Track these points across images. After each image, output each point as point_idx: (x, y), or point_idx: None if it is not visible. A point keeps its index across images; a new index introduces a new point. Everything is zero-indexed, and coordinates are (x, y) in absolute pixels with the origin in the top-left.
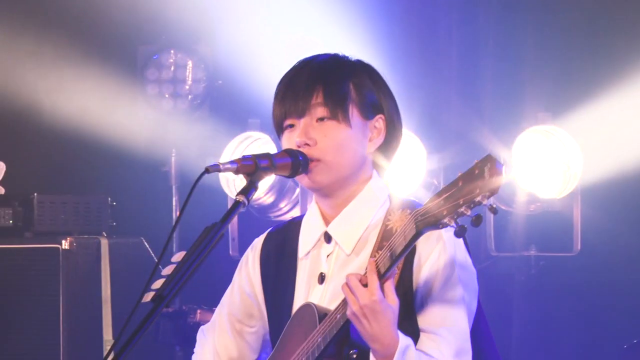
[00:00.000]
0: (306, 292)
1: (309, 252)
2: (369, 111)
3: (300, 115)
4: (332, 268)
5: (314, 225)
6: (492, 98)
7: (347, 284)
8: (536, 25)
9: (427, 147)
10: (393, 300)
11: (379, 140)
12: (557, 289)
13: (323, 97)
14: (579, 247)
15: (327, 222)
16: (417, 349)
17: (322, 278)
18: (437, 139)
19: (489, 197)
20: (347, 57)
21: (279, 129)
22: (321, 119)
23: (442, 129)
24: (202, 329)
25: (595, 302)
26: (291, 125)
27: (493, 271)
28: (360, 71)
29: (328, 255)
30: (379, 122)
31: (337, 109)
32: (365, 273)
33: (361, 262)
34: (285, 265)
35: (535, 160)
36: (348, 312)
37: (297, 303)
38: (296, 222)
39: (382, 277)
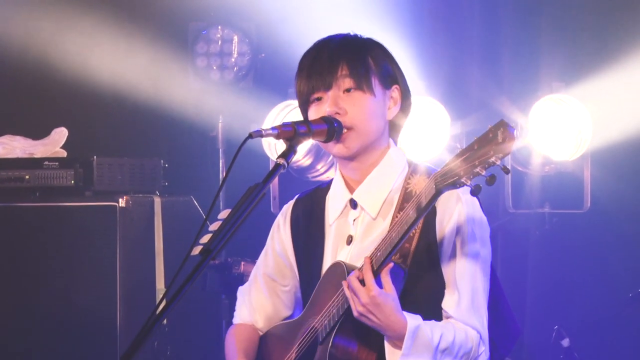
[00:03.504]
0: (334, 253)
1: (337, 218)
2: (387, 81)
3: (327, 88)
4: (358, 231)
5: (339, 194)
6: (510, 69)
7: (348, 285)
8: (551, 2)
9: (450, 114)
10: (390, 289)
11: (396, 108)
12: (569, 243)
13: (348, 69)
14: (589, 204)
15: (351, 190)
16: (428, 321)
17: (349, 240)
18: (460, 106)
19: (502, 158)
20: (361, 35)
21: (305, 104)
22: (348, 90)
23: (465, 98)
24: (241, 290)
25: (602, 255)
26: (318, 99)
27: (510, 227)
28: (374, 46)
29: (355, 220)
30: (395, 92)
31: (362, 79)
32: (361, 269)
33: (385, 224)
34: (315, 230)
35: (549, 126)
36: (355, 314)
37: (327, 263)
38: (323, 189)
39: (376, 273)
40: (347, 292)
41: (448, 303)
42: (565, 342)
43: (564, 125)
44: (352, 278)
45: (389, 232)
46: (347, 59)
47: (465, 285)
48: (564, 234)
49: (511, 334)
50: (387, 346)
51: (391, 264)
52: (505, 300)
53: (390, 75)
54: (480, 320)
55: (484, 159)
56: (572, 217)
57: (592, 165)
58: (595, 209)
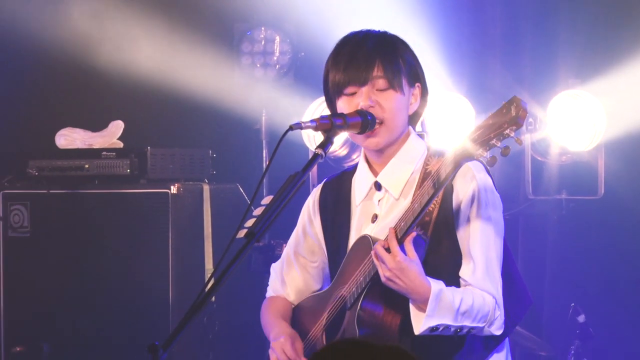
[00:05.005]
0: (359, 230)
1: (363, 199)
2: (412, 80)
3: (363, 84)
4: (383, 210)
5: (365, 178)
6: (530, 67)
7: (375, 253)
8: (569, 4)
9: (475, 108)
10: (413, 255)
11: (416, 104)
12: (584, 227)
13: (383, 71)
14: (603, 191)
15: (375, 173)
16: (449, 287)
17: (374, 218)
18: (484, 101)
19: (515, 130)
20: (390, 33)
21: (336, 94)
22: (380, 89)
23: (488, 93)
24: (273, 266)
25: (615, 238)
26: (352, 93)
27: (530, 212)
28: (403, 47)
29: (379, 200)
30: (417, 89)
31: (394, 80)
32: (387, 239)
33: (407, 202)
34: (342, 210)
35: (566, 119)
36: (383, 279)
37: (352, 239)
38: (349, 172)
39: (407, 234)
40: (375, 260)
41: (464, 271)
42: (581, 318)
43: (580, 118)
44: (378, 246)
45: (411, 204)
46: (382, 60)
47: (480, 255)
48: (580, 218)
49: (522, 302)
50: (412, 308)
51: (414, 233)
52: (517, 272)
53: (415, 74)
54: (495, 286)
55: (499, 132)
56: (587, 203)
57: (605, 155)
58: (608, 196)
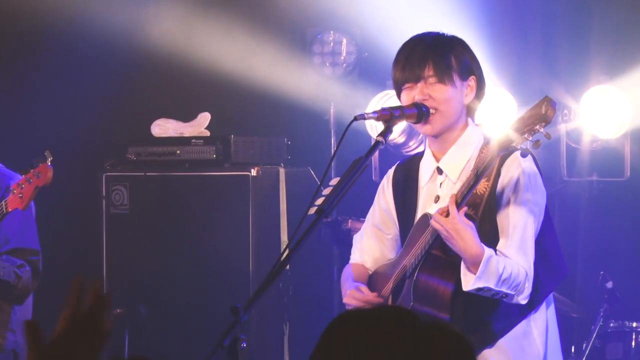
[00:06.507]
0: (424, 208)
1: (427, 182)
2: (464, 74)
3: (417, 80)
4: (444, 191)
5: (428, 164)
6: (566, 65)
7: (434, 218)
8: (599, 9)
9: (517, 101)
10: (468, 222)
11: (472, 95)
12: (612, 204)
13: (433, 68)
14: (629, 173)
15: (437, 159)
16: (497, 254)
17: (437, 199)
18: (525, 95)
19: (544, 126)
20: (447, 34)
21: (398, 89)
22: (432, 83)
23: (528, 88)
24: (355, 237)
25: (639, 214)
26: (410, 87)
27: (565, 192)
28: (457, 45)
29: (441, 183)
30: (471, 81)
31: (444, 75)
32: (447, 206)
33: None
34: (411, 190)
35: (597, 111)
36: (443, 239)
37: (418, 216)
38: (417, 157)
39: (459, 206)
40: (434, 225)
41: (501, 244)
42: (609, 285)
43: (609, 110)
44: (436, 214)
45: (467, 179)
46: (433, 59)
47: (515, 231)
48: (609, 197)
49: (557, 274)
50: (463, 269)
51: (465, 208)
52: (557, 245)
53: (468, 68)
54: (528, 262)
55: (530, 127)
56: (614, 184)
57: (631, 141)
58: (633, 177)
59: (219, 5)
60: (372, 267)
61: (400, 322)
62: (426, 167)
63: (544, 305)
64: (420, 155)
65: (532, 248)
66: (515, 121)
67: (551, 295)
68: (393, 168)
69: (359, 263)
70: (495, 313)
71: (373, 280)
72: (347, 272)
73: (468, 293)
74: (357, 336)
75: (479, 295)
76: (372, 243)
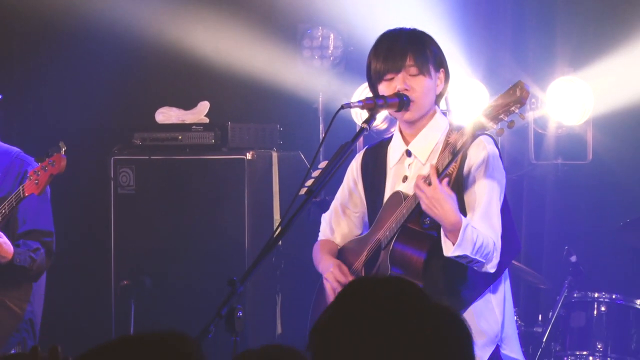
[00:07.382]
0: (392, 188)
1: (395, 163)
2: (437, 66)
3: (398, 71)
4: (412, 172)
5: (398, 146)
6: (534, 56)
7: (416, 184)
8: (564, 5)
9: (489, 91)
10: (449, 192)
11: (442, 85)
12: (576, 185)
13: (414, 60)
14: (591, 157)
15: (406, 142)
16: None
17: (405, 179)
18: (496, 85)
19: (519, 108)
20: (418, 30)
21: (377, 80)
22: (413, 75)
23: (499, 78)
24: (323, 216)
25: (601, 194)
26: (390, 78)
27: (532, 174)
28: (430, 40)
29: (409, 165)
30: (441, 73)
31: (423, 68)
32: (428, 174)
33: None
34: (379, 171)
35: (562, 99)
36: (423, 206)
37: (387, 195)
38: (385, 142)
39: (440, 176)
40: (416, 191)
41: (468, 217)
42: (573, 259)
43: (573, 99)
44: (419, 179)
45: (441, 156)
46: (412, 51)
47: (482, 205)
48: (573, 179)
49: (512, 249)
50: (443, 238)
51: (447, 179)
52: (512, 223)
53: (440, 62)
54: (494, 232)
55: (506, 109)
56: (578, 166)
57: (593, 128)
58: (595, 160)
59: (219, 5)
60: (340, 243)
61: (416, 295)
62: (395, 150)
63: (502, 277)
64: (387, 139)
65: (499, 221)
66: (488, 106)
67: (506, 270)
68: (362, 152)
69: (329, 239)
70: (464, 281)
71: (342, 254)
72: (318, 247)
73: (439, 262)
74: (373, 303)
75: (448, 264)
76: (342, 221)
